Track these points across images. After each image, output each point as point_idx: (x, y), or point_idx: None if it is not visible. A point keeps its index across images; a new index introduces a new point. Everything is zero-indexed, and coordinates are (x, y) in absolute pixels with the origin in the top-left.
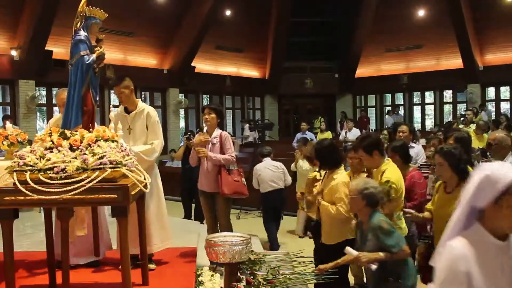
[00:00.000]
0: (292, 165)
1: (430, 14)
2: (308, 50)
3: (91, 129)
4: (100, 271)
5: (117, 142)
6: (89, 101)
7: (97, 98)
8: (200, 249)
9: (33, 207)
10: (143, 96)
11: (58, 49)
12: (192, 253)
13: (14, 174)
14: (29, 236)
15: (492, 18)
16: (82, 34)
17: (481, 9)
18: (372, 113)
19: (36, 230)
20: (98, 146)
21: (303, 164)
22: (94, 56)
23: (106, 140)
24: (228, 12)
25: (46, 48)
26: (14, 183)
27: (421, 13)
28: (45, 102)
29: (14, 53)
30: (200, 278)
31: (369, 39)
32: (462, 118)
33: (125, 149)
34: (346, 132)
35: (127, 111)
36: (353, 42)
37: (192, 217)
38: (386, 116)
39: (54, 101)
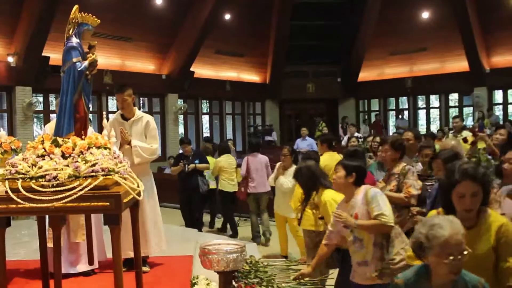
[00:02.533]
0: (270, 178)
1: (434, 16)
2: (309, 54)
3: (83, 137)
4: (94, 280)
5: (109, 149)
6: (82, 108)
7: (90, 105)
8: (197, 257)
9: (25, 215)
10: (141, 102)
11: (55, 55)
12: (188, 261)
13: (6, 182)
14: (26, 244)
15: (498, 19)
16: (74, 40)
17: (487, 11)
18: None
19: (33, 238)
20: (91, 153)
21: (285, 181)
22: (86, 62)
23: (98, 148)
24: (228, 16)
25: (43, 54)
26: (6, 191)
27: (425, 15)
28: (42, 109)
29: (11, 59)
30: (195, 287)
31: (372, 42)
32: (450, 128)
33: (117, 156)
34: (348, 138)
35: (124, 118)
36: (355, 45)
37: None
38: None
39: (51, 108)
